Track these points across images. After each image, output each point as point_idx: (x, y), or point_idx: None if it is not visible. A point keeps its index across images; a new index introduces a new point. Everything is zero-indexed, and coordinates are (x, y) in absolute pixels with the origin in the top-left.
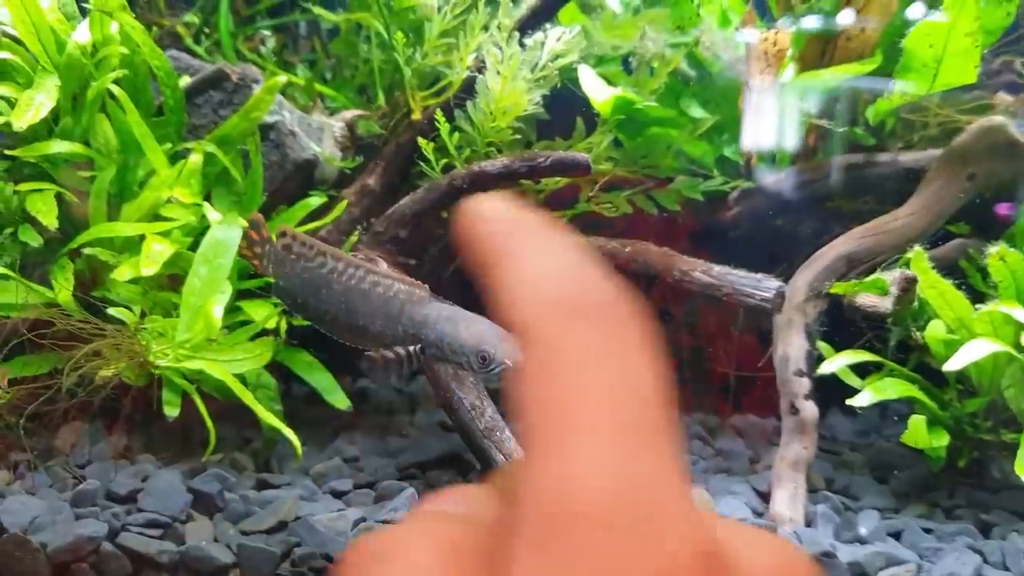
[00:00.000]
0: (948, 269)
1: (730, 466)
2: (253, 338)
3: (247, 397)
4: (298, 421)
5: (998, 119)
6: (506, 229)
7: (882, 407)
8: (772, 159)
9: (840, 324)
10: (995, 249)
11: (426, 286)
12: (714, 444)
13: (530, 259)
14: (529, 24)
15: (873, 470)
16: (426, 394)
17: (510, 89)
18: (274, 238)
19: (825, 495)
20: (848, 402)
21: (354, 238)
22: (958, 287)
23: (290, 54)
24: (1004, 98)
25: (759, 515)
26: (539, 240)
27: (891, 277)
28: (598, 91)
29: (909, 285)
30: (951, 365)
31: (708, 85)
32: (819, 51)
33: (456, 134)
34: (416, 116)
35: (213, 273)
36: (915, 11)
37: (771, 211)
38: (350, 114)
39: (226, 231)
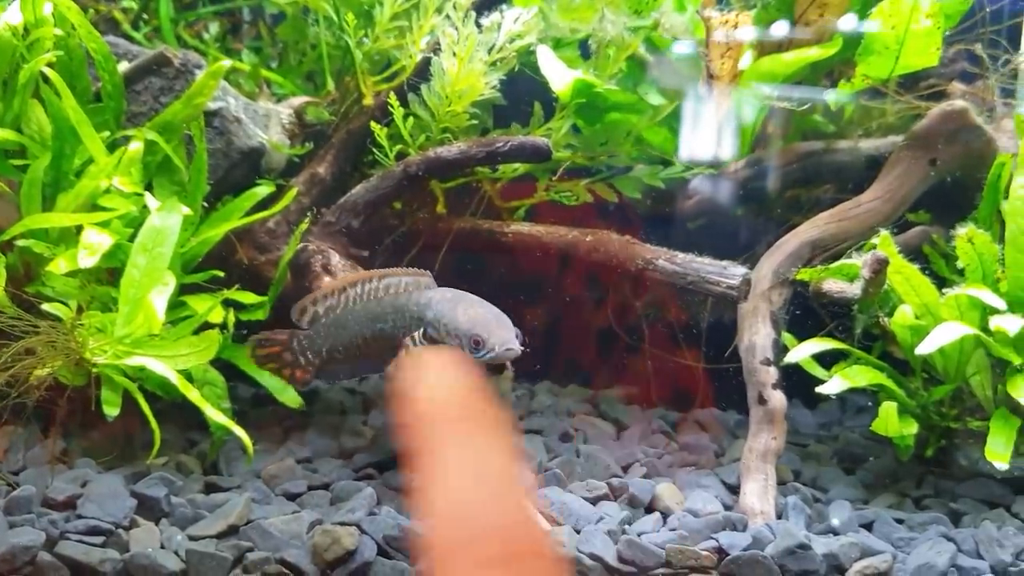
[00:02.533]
0: (911, 256)
1: (696, 459)
2: (197, 332)
3: (193, 394)
4: (246, 423)
5: (960, 103)
6: (434, 419)
7: (841, 400)
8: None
9: (801, 315)
10: (963, 231)
11: (429, 272)
12: (677, 439)
13: (441, 476)
14: (484, 6)
15: (840, 461)
16: (380, 393)
17: (467, 71)
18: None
19: (795, 486)
20: (818, 389)
21: (304, 225)
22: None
23: (234, 41)
24: (958, 87)
25: (729, 508)
26: (455, 447)
27: (862, 259)
28: (558, 74)
29: (881, 266)
30: (923, 348)
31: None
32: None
33: (410, 119)
34: (368, 101)
35: (153, 263)
36: None
37: (731, 200)
38: (298, 100)
39: (166, 217)
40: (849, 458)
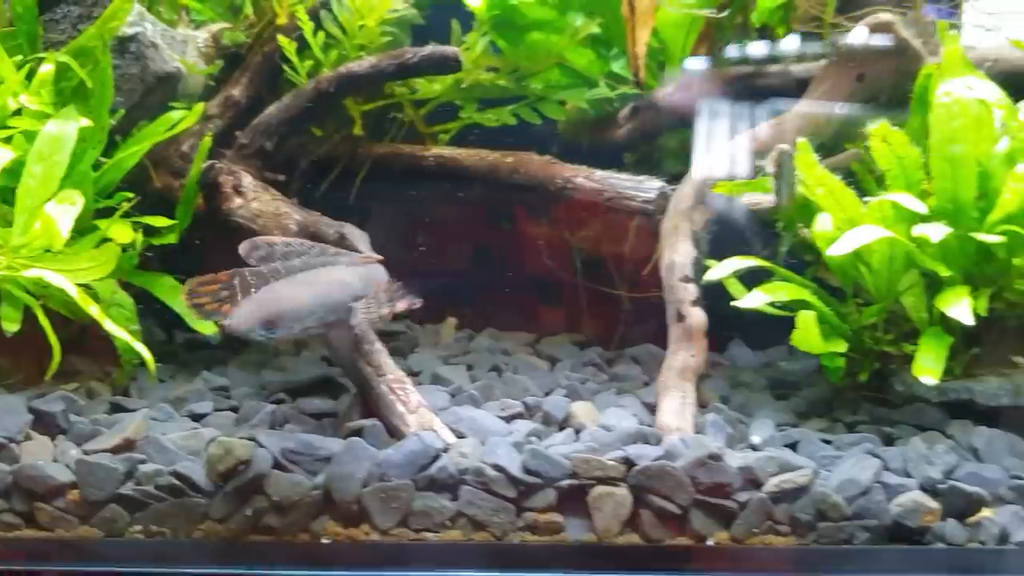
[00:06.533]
0: (842, 178)
1: (621, 386)
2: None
3: (93, 310)
4: (175, 361)
5: (885, 16)
6: None
7: (788, 346)
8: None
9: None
10: (874, 126)
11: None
12: (608, 371)
13: None
14: None
15: (773, 389)
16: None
17: None
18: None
19: (717, 407)
20: (735, 303)
21: (207, 141)
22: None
23: None
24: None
25: (646, 426)
26: None
27: (767, 159)
28: None
29: (784, 159)
30: (836, 249)
31: None
32: None
33: (320, 34)
34: (282, 20)
35: (49, 171)
36: None
37: (665, 126)
38: (216, 26)
39: (62, 125)
40: (782, 386)
